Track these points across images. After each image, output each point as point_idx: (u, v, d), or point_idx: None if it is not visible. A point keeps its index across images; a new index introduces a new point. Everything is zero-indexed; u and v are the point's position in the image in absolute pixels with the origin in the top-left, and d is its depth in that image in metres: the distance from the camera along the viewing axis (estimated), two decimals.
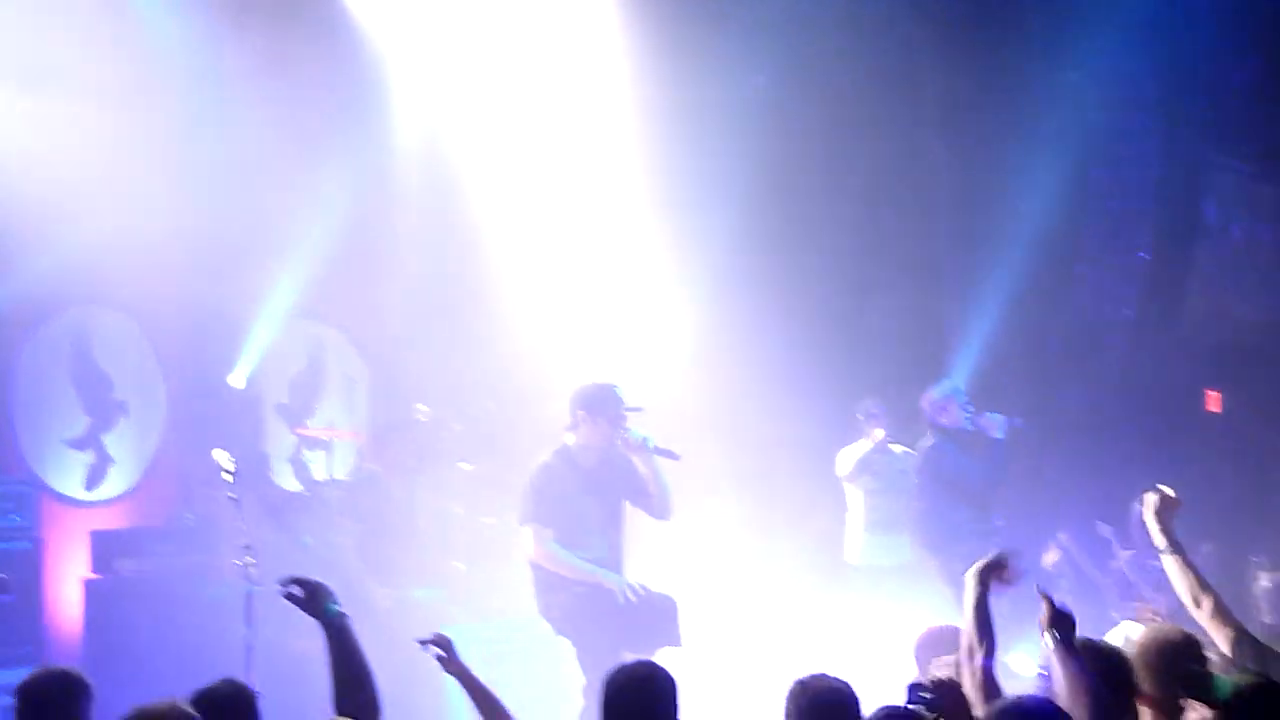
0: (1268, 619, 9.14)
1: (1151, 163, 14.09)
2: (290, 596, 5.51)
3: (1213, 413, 15.40)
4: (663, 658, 8.40)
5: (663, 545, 10.33)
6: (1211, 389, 15.41)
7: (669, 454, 8.72)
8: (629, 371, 9.76)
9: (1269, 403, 15.24)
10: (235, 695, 5.19)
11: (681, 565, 11.09)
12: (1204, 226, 15.07)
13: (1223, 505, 13.36)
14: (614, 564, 8.73)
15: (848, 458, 11.57)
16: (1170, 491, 6.12)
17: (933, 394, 10.96)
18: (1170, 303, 14.58)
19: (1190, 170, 14.59)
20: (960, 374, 12.39)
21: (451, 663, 5.58)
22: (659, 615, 8.55)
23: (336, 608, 5.41)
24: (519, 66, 12.59)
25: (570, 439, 8.78)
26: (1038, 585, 5.53)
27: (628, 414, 8.69)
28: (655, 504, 8.83)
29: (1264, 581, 9.99)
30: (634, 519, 9.12)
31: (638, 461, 8.76)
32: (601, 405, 8.69)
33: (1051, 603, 5.31)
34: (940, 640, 6.33)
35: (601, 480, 8.78)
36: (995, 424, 10.71)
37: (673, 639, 8.47)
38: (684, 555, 11.18)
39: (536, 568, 8.72)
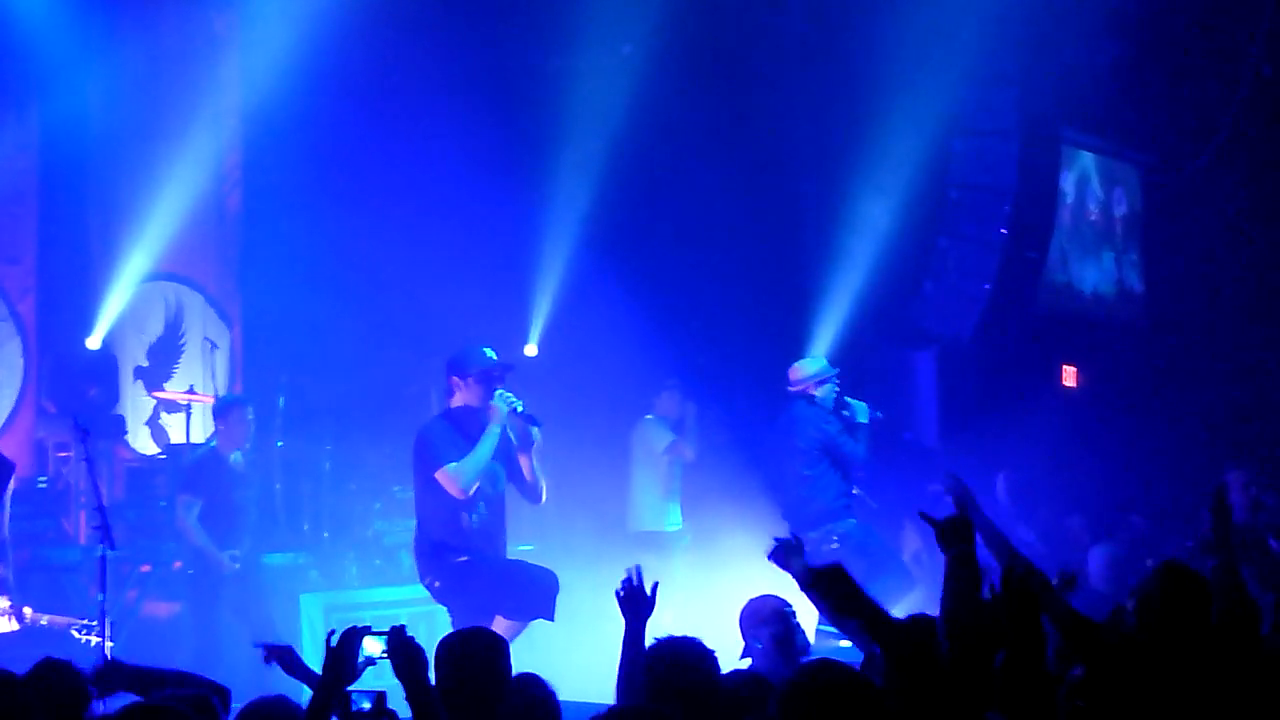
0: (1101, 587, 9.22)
1: (1012, 137, 14.29)
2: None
3: (1069, 387, 15.68)
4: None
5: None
6: (1067, 364, 15.68)
7: (533, 420, 8.62)
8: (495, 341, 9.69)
9: (1119, 376, 15.58)
10: (61, 675, 5.07)
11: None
12: (1061, 202, 15.34)
13: (1079, 479, 13.62)
14: (497, 531, 8.66)
15: (662, 431, 12.02)
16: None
17: (803, 368, 10.90)
18: (1027, 276, 14.80)
19: (1049, 147, 14.83)
20: (819, 348, 12.49)
21: (295, 669, 5.52)
22: (538, 589, 8.50)
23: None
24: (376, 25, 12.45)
25: (456, 403, 8.68)
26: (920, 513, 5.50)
27: (498, 373, 8.61)
28: (527, 487, 8.76)
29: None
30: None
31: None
32: (471, 367, 8.61)
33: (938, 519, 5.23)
34: (763, 609, 6.40)
35: None
36: (860, 410, 10.80)
37: (547, 613, 8.45)
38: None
39: (422, 537, 8.61)
